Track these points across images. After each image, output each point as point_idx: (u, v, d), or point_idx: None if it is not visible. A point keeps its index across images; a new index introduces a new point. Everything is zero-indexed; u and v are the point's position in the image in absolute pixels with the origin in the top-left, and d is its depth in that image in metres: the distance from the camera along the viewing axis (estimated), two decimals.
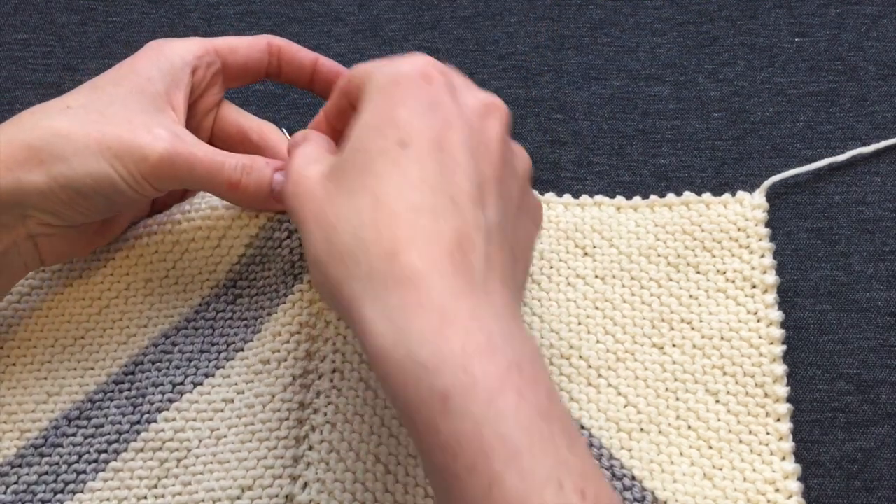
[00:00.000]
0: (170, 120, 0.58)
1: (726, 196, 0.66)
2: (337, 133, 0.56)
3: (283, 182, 0.57)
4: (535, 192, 0.62)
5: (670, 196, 0.66)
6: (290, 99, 0.73)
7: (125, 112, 0.57)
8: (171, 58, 0.60)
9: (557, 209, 0.66)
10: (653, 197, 0.66)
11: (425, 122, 0.48)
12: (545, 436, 0.43)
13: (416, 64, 0.51)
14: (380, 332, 0.45)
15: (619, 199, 0.66)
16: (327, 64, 0.64)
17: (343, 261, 0.47)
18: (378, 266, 0.46)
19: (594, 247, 0.65)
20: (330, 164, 0.50)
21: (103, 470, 0.59)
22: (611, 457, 0.59)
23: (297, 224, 0.50)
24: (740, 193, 0.66)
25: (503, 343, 0.45)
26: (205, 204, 0.63)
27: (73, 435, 0.60)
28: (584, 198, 0.66)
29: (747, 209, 0.65)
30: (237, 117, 0.64)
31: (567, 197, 0.66)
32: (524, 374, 0.44)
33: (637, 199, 0.66)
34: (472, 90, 0.53)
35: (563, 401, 0.46)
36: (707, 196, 0.66)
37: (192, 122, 0.62)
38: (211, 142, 0.65)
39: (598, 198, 0.66)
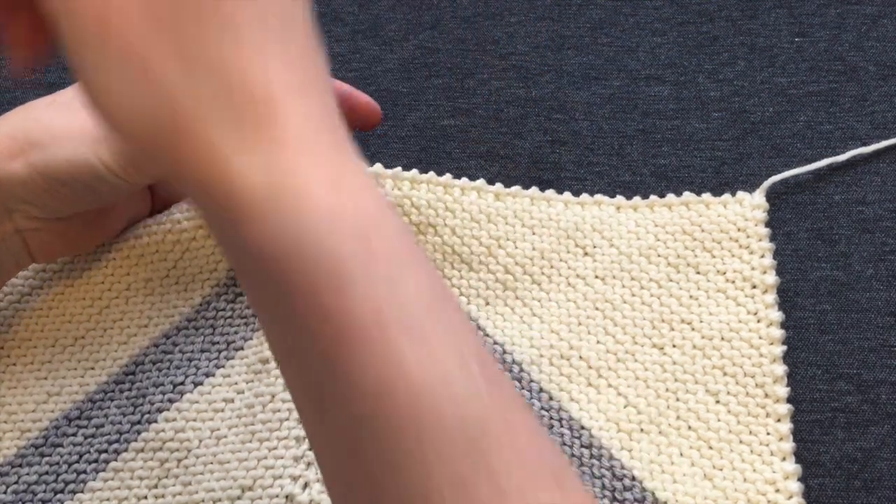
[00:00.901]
0: None
1: (726, 196, 0.66)
2: None
3: None
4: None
5: (670, 196, 0.66)
6: None
7: None
8: None
9: (558, 207, 0.66)
10: (652, 197, 0.66)
11: None
12: (443, 312, 0.39)
13: None
14: (255, 185, 0.36)
15: (619, 198, 0.66)
16: (338, 87, 0.63)
17: (196, 97, 0.37)
18: (248, 114, 0.37)
19: (594, 246, 0.65)
20: None
21: (104, 470, 0.59)
22: (611, 457, 0.59)
23: (84, 49, 0.39)
24: (740, 194, 0.66)
25: (389, 213, 0.39)
26: None
27: (74, 435, 0.60)
28: (585, 196, 0.66)
29: (747, 209, 0.65)
30: None
31: (567, 195, 0.66)
32: (413, 249, 0.39)
33: (637, 199, 0.66)
34: None
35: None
36: (707, 196, 0.66)
37: None
38: None
39: (598, 197, 0.66)
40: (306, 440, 0.58)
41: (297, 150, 0.37)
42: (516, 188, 0.66)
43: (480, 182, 0.65)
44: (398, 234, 0.39)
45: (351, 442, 0.38)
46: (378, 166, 0.62)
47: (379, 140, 0.71)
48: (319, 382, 0.38)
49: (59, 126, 0.55)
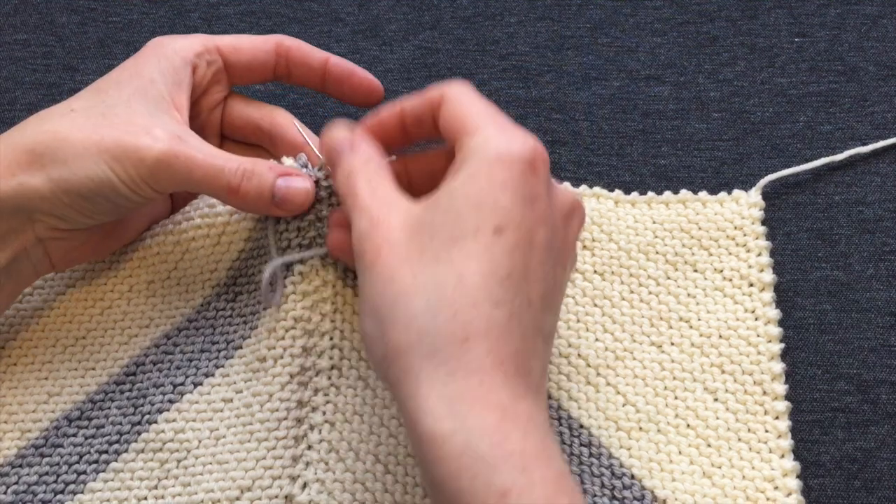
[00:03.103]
0: (173, 121, 0.58)
1: (723, 194, 0.66)
2: (395, 135, 0.56)
3: (285, 189, 0.57)
4: None
5: (667, 194, 0.66)
6: (290, 99, 0.73)
7: (127, 114, 0.57)
8: (172, 58, 0.60)
9: None
10: (650, 193, 0.66)
11: (523, 214, 0.48)
12: None
13: (526, 147, 0.49)
14: (437, 414, 0.45)
15: (618, 192, 0.66)
16: (339, 64, 0.64)
17: (409, 328, 0.47)
18: (446, 348, 0.46)
19: (593, 240, 0.65)
20: (411, 215, 0.50)
21: (104, 470, 0.59)
22: (610, 455, 0.59)
23: (362, 266, 0.50)
24: (737, 192, 0.66)
25: (554, 449, 0.46)
26: (202, 202, 0.63)
27: (74, 435, 0.60)
28: (584, 188, 0.66)
29: (744, 207, 0.65)
30: (245, 109, 0.64)
31: (566, 185, 0.66)
32: (571, 483, 0.46)
33: (635, 194, 0.66)
34: (559, 188, 0.53)
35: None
36: (704, 195, 0.66)
37: (197, 121, 0.62)
38: (222, 137, 0.65)
39: (597, 189, 0.66)
40: (305, 439, 0.58)
41: (477, 384, 0.45)
42: None
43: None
44: (555, 466, 0.46)
45: None
46: None
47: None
48: None
49: (78, 141, 0.55)
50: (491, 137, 0.50)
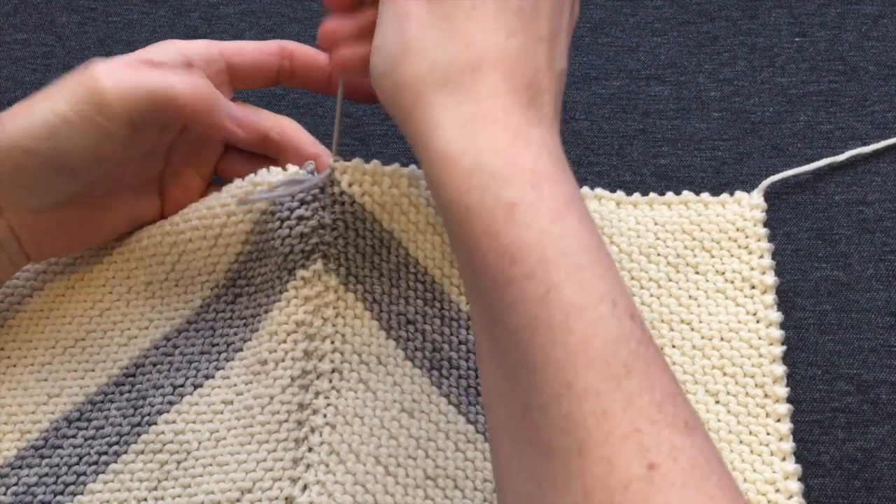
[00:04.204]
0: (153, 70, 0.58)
1: (724, 196, 0.66)
2: None
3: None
4: None
5: (669, 195, 0.66)
6: (289, 99, 0.73)
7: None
8: (168, 49, 0.60)
9: None
10: (652, 194, 0.66)
11: None
12: (601, 259, 0.44)
13: None
14: (449, 136, 0.46)
15: (620, 193, 0.66)
16: None
17: (422, 60, 0.48)
18: (458, 77, 0.47)
19: None
20: None
21: (103, 472, 0.59)
22: None
23: (382, 5, 0.51)
24: (738, 193, 0.66)
25: (566, 175, 0.47)
26: (200, 203, 0.62)
27: (74, 436, 0.60)
28: (585, 189, 0.66)
29: (745, 209, 0.65)
30: (252, 118, 0.64)
31: None
32: (581, 206, 0.46)
33: (637, 195, 0.66)
34: None
35: None
36: (705, 196, 0.66)
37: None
38: (226, 147, 0.65)
39: (599, 191, 0.66)
40: (305, 442, 0.58)
41: (490, 107, 0.46)
42: None
43: None
44: (566, 188, 0.46)
45: (512, 360, 0.44)
46: (375, 162, 0.61)
47: (379, 140, 0.71)
48: (489, 296, 0.45)
49: (41, 96, 0.56)
50: None
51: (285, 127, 0.63)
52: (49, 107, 0.55)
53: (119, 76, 0.56)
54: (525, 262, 0.43)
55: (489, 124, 0.46)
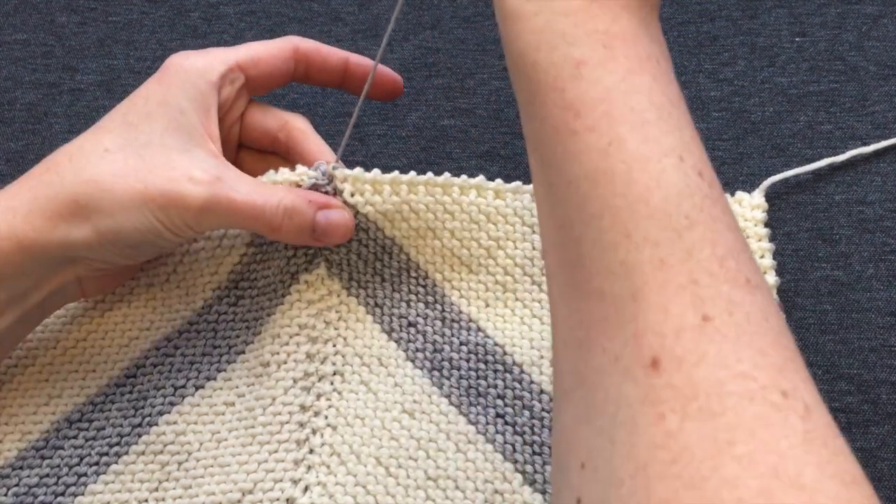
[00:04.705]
0: (209, 156, 0.58)
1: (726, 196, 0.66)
2: None
3: (325, 224, 0.58)
4: None
5: None
6: (290, 99, 0.73)
7: (164, 154, 0.57)
8: (197, 83, 0.60)
9: None
10: None
11: None
12: (673, 117, 0.43)
13: None
14: None
15: None
16: (361, 63, 0.65)
17: None
18: None
19: None
20: None
21: (104, 472, 0.59)
22: None
23: None
24: (739, 194, 0.66)
25: (647, 39, 0.45)
26: None
27: (75, 437, 0.60)
28: None
29: (746, 209, 0.65)
30: (263, 119, 0.64)
31: None
32: (661, 67, 0.44)
33: None
34: None
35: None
36: None
37: (220, 137, 0.62)
38: (239, 146, 0.65)
39: None
40: (307, 443, 0.58)
41: None
42: (516, 184, 0.65)
43: (480, 179, 0.64)
44: (643, 48, 0.44)
45: (569, 210, 0.43)
46: (375, 171, 0.61)
47: (379, 140, 0.71)
48: (551, 149, 0.44)
49: (122, 191, 0.55)
50: None
51: (292, 128, 0.63)
52: (156, 215, 0.56)
53: (212, 205, 0.56)
54: (589, 116, 0.42)
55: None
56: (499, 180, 0.65)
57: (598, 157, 0.42)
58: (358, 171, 0.61)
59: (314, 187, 0.60)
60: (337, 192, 0.60)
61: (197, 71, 0.60)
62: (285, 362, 0.59)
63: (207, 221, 0.57)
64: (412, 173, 0.62)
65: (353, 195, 0.60)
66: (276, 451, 0.58)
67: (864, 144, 0.69)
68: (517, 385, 0.60)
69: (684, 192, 0.41)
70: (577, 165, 0.42)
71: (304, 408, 0.59)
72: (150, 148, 0.57)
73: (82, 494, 0.59)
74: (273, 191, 0.58)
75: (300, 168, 0.61)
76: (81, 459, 0.59)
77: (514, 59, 0.46)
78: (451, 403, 0.59)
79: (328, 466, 0.57)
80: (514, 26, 0.45)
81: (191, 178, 0.56)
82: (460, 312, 0.62)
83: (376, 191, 0.61)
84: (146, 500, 0.58)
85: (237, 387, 0.60)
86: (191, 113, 0.59)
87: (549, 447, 0.58)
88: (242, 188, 0.57)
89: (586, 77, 0.43)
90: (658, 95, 0.43)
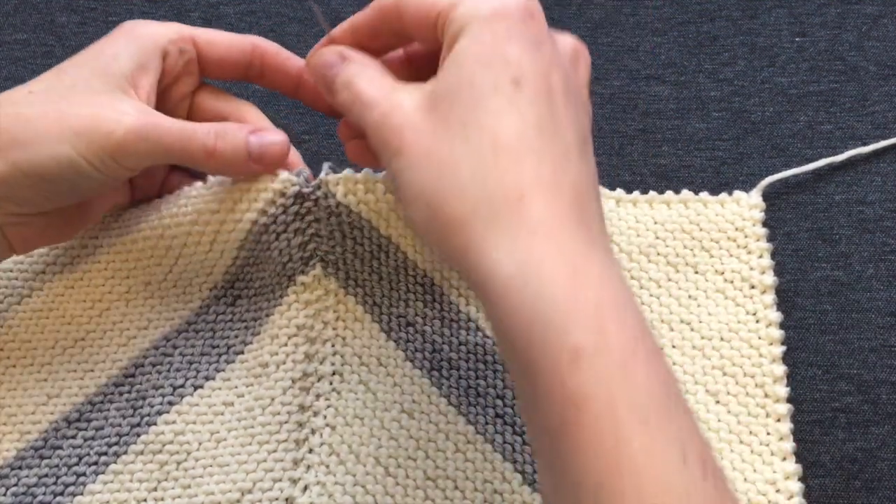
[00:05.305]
0: (134, 100, 0.57)
1: (723, 195, 0.66)
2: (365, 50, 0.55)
3: (259, 143, 0.57)
4: None
5: (668, 193, 0.66)
6: (290, 100, 0.73)
7: (88, 93, 0.56)
8: (141, 39, 0.59)
9: None
10: (651, 193, 0.66)
11: (534, 61, 0.47)
12: (670, 404, 0.43)
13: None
14: (507, 273, 0.44)
15: (619, 191, 0.66)
16: None
17: (463, 200, 0.46)
18: (503, 209, 0.45)
19: None
20: (423, 94, 0.49)
21: (103, 472, 0.59)
22: None
23: (388, 156, 0.48)
24: (737, 193, 0.66)
25: (628, 303, 0.45)
26: (191, 207, 0.61)
27: (73, 437, 0.60)
28: None
29: (744, 209, 0.65)
30: (214, 103, 0.63)
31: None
32: (647, 339, 0.44)
33: (636, 193, 0.66)
34: (558, 33, 0.52)
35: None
36: (704, 195, 0.66)
37: (165, 109, 0.61)
38: None
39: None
40: (306, 443, 0.58)
41: (544, 239, 0.44)
42: None
43: None
44: (633, 325, 0.44)
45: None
46: (366, 171, 0.61)
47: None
48: (555, 443, 0.43)
49: (40, 121, 0.55)
50: (475, 1, 0.49)
51: (244, 112, 0.63)
52: (75, 146, 0.55)
53: (139, 131, 0.55)
54: (591, 411, 0.42)
55: (547, 261, 0.44)
56: None
57: (605, 460, 0.41)
58: (348, 171, 0.60)
59: (299, 195, 0.59)
60: (328, 196, 0.60)
61: (145, 31, 0.60)
62: (284, 363, 0.59)
63: (133, 151, 0.55)
64: None
65: (346, 195, 0.60)
66: (275, 451, 0.58)
67: (864, 144, 0.69)
68: None
69: (691, 492, 0.41)
70: (583, 464, 0.42)
71: (302, 408, 0.59)
72: (75, 88, 0.57)
73: (81, 494, 0.59)
74: (202, 122, 0.58)
75: (283, 174, 0.59)
76: (80, 459, 0.59)
77: (503, 339, 0.45)
78: (450, 403, 0.59)
79: (327, 466, 0.57)
80: (504, 307, 0.44)
81: (115, 108, 0.55)
82: (459, 311, 0.62)
83: (368, 189, 0.60)
84: (145, 500, 0.58)
85: (236, 387, 0.60)
86: (124, 62, 0.58)
87: None
88: (171, 119, 0.57)
89: (585, 369, 0.42)
90: (654, 381, 0.43)
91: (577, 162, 0.47)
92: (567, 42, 0.52)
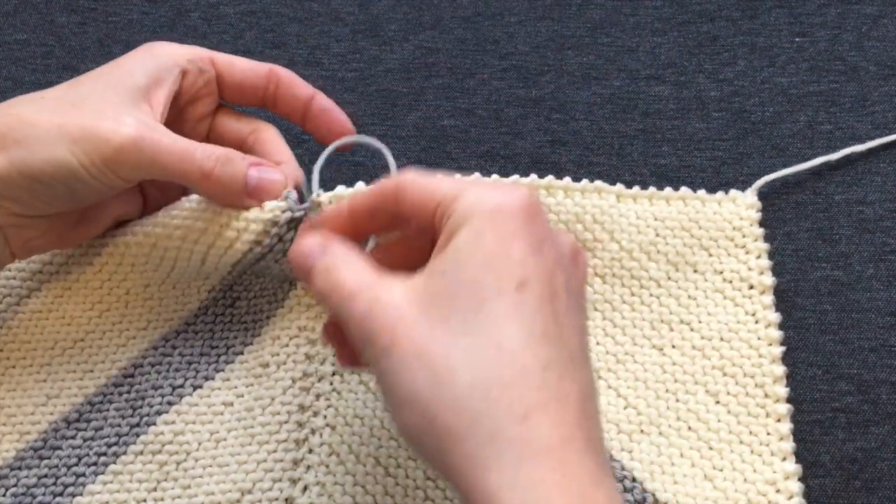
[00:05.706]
0: (143, 113, 0.57)
1: (720, 194, 0.66)
2: (355, 234, 0.52)
3: (258, 178, 0.57)
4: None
5: (668, 190, 0.66)
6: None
7: (98, 103, 0.56)
8: (160, 57, 0.59)
9: (558, 196, 0.64)
10: (651, 188, 0.66)
11: (537, 263, 0.45)
12: None
13: (521, 195, 0.47)
14: (510, 502, 0.41)
15: (619, 186, 0.65)
16: (322, 102, 0.63)
17: (460, 412, 0.43)
18: (506, 430, 0.42)
19: (595, 240, 0.64)
20: (416, 287, 0.46)
21: (102, 473, 0.59)
22: (612, 459, 0.59)
23: (375, 353, 0.45)
24: (733, 192, 0.66)
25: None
26: (180, 221, 0.60)
27: (73, 438, 0.60)
28: (585, 182, 0.65)
29: (741, 208, 0.65)
30: (233, 124, 0.63)
31: (567, 180, 0.65)
32: None
33: (636, 188, 0.66)
34: (557, 229, 0.51)
35: None
36: (702, 193, 0.65)
37: (184, 129, 0.61)
38: None
39: (599, 183, 0.65)
40: (306, 443, 0.58)
41: (551, 469, 0.42)
42: (514, 177, 0.65)
43: (476, 176, 0.64)
44: None
45: None
46: (359, 185, 0.61)
47: (379, 140, 0.71)
48: None
49: (41, 124, 0.55)
50: (483, 194, 0.47)
51: (261, 133, 0.63)
52: (72, 151, 0.55)
53: (136, 143, 0.55)
54: None
55: (555, 494, 0.41)
56: (495, 175, 0.65)
57: None
58: (340, 189, 0.60)
59: (292, 221, 0.59)
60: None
61: (164, 51, 0.60)
62: (284, 363, 0.59)
63: (127, 161, 0.55)
64: None
65: None
66: (274, 451, 0.58)
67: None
68: None
69: None
70: None
71: (302, 408, 0.59)
72: (88, 98, 0.57)
73: (80, 495, 0.59)
74: (205, 143, 0.57)
75: (270, 204, 0.58)
76: (79, 460, 0.59)
77: None
78: None
79: (327, 466, 0.57)
80: None
81: (116, 119, 0.55)
82: None
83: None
84: (144, 501, 0.58)
85: (236, 387, 0.60)
86: (140, 77, 0.58)
87: None
88: (173, 136, 0.56)
89: None
90: None
91: (581, 368, 0.45)
92: (566, 241, 0.49)
